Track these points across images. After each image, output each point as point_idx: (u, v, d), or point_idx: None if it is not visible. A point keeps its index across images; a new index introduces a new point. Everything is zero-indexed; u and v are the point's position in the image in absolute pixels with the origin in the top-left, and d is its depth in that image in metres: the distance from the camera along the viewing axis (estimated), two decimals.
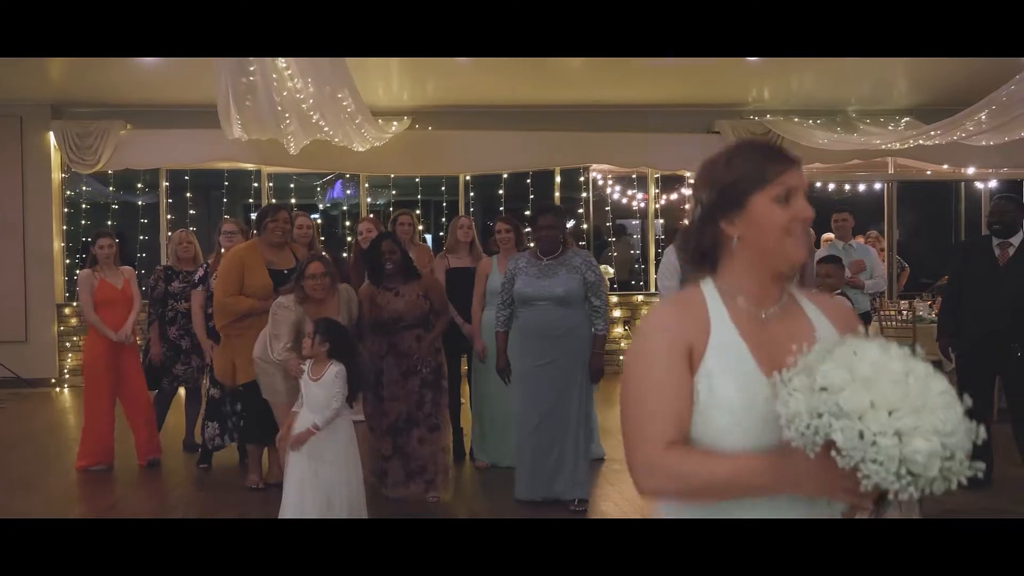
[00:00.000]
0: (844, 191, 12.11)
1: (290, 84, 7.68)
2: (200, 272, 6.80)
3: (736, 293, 1.75)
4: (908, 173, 12.17)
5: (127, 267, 7.12)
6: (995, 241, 6.05)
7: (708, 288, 1.77)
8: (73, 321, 11.08)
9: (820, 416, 1.42)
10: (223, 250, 6.72)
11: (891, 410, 1.39)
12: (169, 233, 10.48)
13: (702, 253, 1.80)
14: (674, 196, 12.09)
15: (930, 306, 9.29)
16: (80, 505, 5.98)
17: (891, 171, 12.06)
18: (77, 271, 7.80)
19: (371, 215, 10.45)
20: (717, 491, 1.65)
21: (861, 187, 12.19)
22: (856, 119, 11.71)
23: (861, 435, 1.38)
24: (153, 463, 6.86)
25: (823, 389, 1.43)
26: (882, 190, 12.04)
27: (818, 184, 12.22)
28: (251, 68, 7.40)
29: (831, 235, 8.77)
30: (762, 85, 10.91)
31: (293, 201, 11.39)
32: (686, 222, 1.90)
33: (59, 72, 9.81)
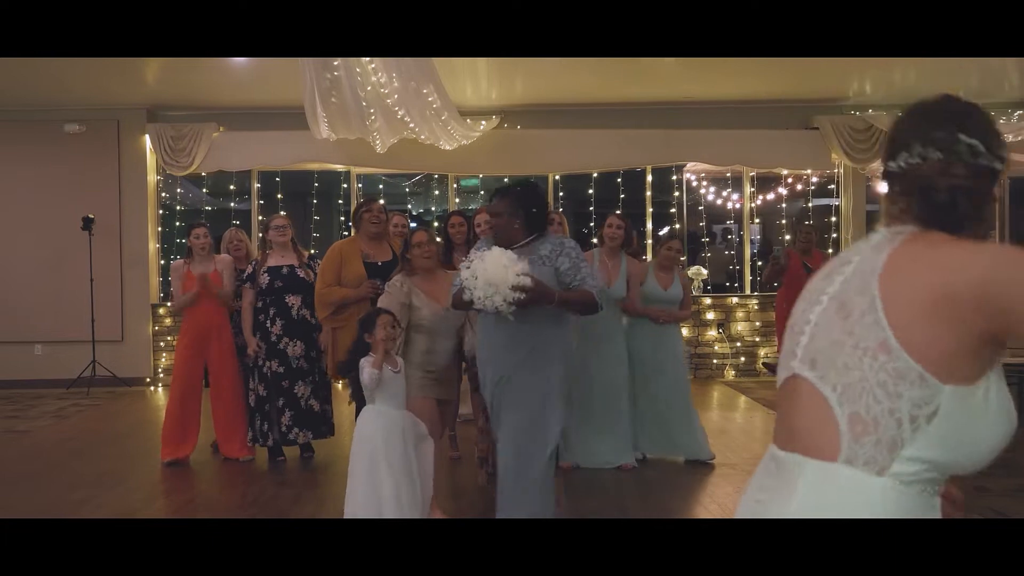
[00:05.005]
0: None
1: (374, 79, 7.63)
2: (249, 269, 6.75)
3: None
4: (1020, 169, 11.52)
5: (224, 256, 7.04)
6: None
7: None
8: (167, 321, 11.26)
9: None
10: (273, 244, 6.71)
11: None
12: (260, 234, 10.56)
13: None
14: (770, 196, 11.73)
15: None
16: (159, 500, 5.99)
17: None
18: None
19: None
20: None
21: None
22: None
23: None
24: (246, 460, 6.80)
25: None
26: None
27: None
28: (335, 63, 7.38)
29: None
30: (863, 78, 10.43)
31: (382, 202, 11.33)
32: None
33: (155, 75, 9.97)
